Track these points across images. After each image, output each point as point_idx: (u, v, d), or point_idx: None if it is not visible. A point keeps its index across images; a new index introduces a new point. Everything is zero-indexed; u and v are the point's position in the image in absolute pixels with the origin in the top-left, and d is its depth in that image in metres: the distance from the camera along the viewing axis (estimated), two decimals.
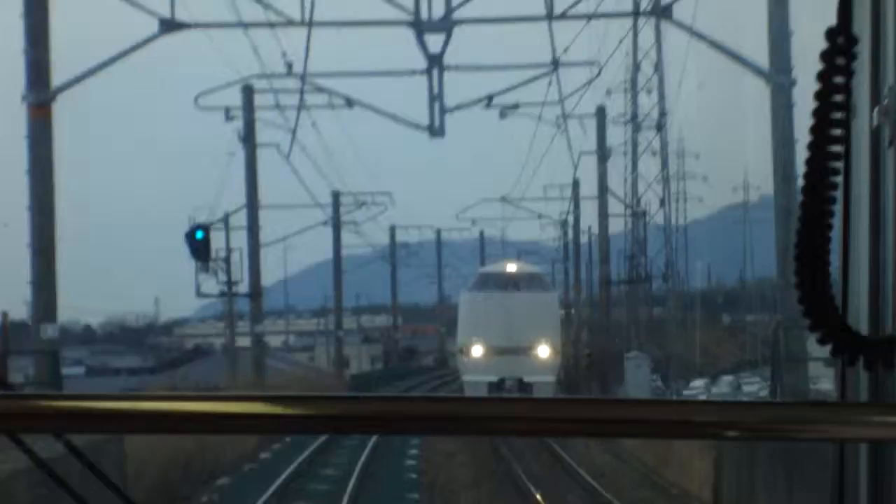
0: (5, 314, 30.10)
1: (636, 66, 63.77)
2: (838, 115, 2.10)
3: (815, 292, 2.07)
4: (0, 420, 1.89)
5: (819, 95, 2.11)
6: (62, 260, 27.60)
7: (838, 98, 2.11)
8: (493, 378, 44.86)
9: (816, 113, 2.11)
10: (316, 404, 1.90)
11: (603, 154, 55.45)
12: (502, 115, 39.09)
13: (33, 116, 26.77)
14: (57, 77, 27.25)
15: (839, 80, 2.11)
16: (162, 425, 1.95)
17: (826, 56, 2.11)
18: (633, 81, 64.29)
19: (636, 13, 33.74)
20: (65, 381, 30.43)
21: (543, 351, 46.55)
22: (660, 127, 64.09)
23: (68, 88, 27.42)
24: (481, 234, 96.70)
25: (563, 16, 29.45)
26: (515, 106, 39.23)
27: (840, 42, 2.11)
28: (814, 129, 2.11)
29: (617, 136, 63.80)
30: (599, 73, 37.74)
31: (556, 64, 33.00)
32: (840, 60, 2.11)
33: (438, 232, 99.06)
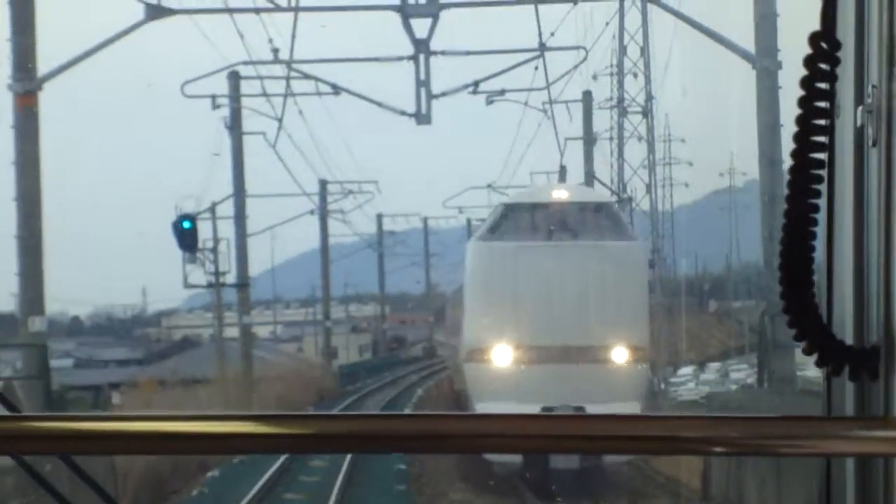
0: None
1: (622, 50, 63.71)
2: (822, 121, 2.09)
3: (800, 301, 2.06)
4: None
5: (802, 101, 2.09)
6: (49, 251, 27.52)
7: (821, 104, 2.09)
8: (534, 408, 22.17)
9: (799, 120, 2.09)
10: (300, 423, 1.91)
11: (589, 139, 55.37)
12: (489, 101, 38.98)
13: (19, 105, 26.63)
14: (43, 65, 27.15)
15: (822, 85, 2.09)
16: (150, 446, 2.00)
17: (809, 62, 2.08)
18: (620, 65, 64.23)
19: None
20: (53, 373, 30.33)
21: (621, 354, 25.89)
22: (646, 112, 64.06)
23: (55, 77, 27.28)
24: (468, 221, 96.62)
25: None
26: (502, 92, 39.11)
27: (823, 47, 2.08)
28: (797, 137, 2.09)
29: (603, 121, 63.83)
30: (586, 58, 37.60)
31: (542, 48, 32.92)
32: (823, 65, 2.09)
33: (425, 220, 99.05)
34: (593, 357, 25.68)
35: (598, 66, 64.08)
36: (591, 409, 22.94)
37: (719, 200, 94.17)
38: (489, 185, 76.55)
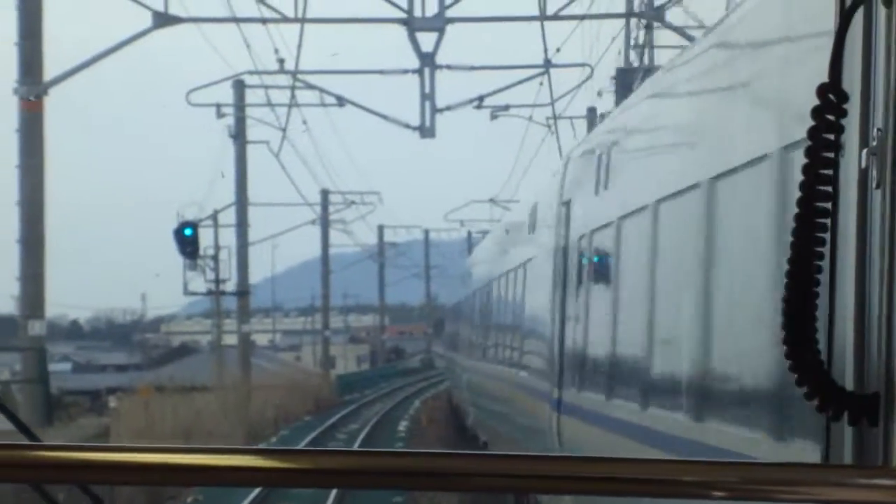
0: None
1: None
2: (827, 171, 2.08)
3: (801, 348, 2.06)
4: None
5: (808, 152, 2.08)
6: (50, 255, 27.51)
7: (828, 154, 2.09)
8: None
9: (806, 170, 2.08)
10: (296, 458, 1.92)
11: None
12: (493, 115, 39.02)
13: (25, 110, 26.65)
14: (49, 71, 27.14)
15: (829, 136, 2.09)
16: (143, 477, 2.01)
17: (817, 113, 2.09)
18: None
19: (628, 14, 33.73)
20: (51, 377, 30.30)
21: None
22: None
23: (60, 82, 27.28)
24: (469, 234, 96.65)
25: (555, 16, 29.41)
26: (506, 107, 39.18)
27: (831, 99, 2.09)
28: (803, 185, 2.08)
29: None
30: (591, 75, 37.65)
31: (547, 65, 32.96)
32: (830, 117, 2.08)
33: (426, 232, 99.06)
34: None
35: (604, 82, 64.02)
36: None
37: None
38: (491, 200, 76.68)
